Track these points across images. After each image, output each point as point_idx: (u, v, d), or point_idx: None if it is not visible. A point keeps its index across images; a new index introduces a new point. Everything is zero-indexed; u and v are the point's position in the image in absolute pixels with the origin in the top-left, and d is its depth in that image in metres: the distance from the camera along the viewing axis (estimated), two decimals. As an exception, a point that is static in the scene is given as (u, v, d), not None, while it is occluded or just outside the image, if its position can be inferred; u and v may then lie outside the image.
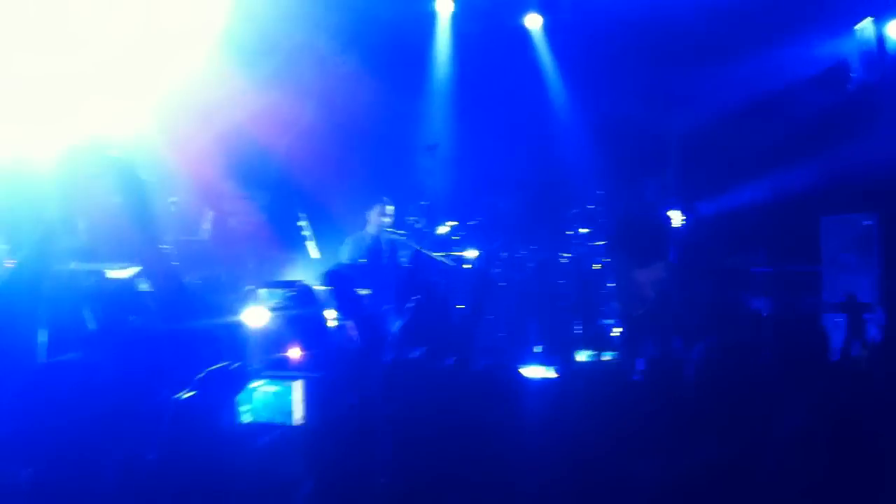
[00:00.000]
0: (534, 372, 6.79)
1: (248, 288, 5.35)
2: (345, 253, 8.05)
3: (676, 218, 7.86)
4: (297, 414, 4.33)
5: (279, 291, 5.14)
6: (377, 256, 8.03)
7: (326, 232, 8.06)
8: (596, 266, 8.15)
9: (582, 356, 6.72)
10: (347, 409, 3.95)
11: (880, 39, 8.87)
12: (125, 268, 6.96)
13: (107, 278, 6.89)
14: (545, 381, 5.61)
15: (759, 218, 8.65)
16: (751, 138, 9.24)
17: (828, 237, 8.50)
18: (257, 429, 4.20)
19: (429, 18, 10.20)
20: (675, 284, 7.60)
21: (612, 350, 7.08)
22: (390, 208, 8.09)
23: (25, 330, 4.65)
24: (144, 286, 6.10)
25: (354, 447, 3.72)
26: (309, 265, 7.52)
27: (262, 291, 5.13)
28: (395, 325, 4.85)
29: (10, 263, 6.35)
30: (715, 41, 9.39)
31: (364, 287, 7.62)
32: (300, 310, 5.01)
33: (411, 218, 8.28)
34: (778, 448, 3.57)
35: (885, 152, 8.27)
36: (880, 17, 8.90)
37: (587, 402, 4.28)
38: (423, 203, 8.34)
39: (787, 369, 4.11)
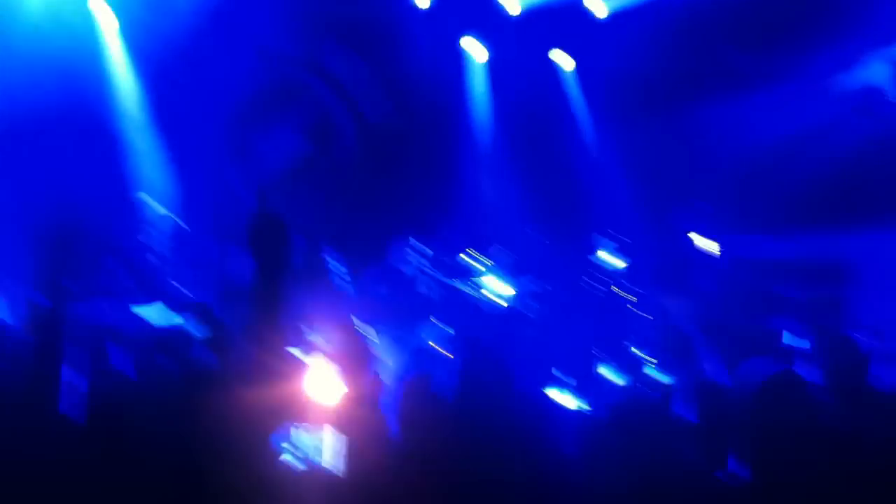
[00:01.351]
0: (558, 396, 6.68)
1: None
2: (370, 286, 8.08)
3: (712, 246, 7.78)
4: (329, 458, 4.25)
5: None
6: (402, 289, 8.05)
7: (353, 267, 8.11)
8: (627, 296, 8.04)
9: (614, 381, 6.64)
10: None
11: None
12: (156, 307, 7.09)
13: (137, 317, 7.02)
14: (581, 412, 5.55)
15: (795, 244, 8.49)
16: (789, 167, 9.12)
17: (861, 258, 8.34)
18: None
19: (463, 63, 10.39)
20: (707, 312, 7.50)
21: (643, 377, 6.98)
22: (416, 242, 8.14)
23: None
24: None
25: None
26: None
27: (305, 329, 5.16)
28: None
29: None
30: (747, 70, 9.37)
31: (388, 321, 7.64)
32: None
33: (433, 251, 8.31)
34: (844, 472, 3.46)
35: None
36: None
37: (626, 429, 4.20)
38: (448, 234, 8.37)
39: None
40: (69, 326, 6.68)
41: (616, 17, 10.49)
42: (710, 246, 7.86)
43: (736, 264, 7.91)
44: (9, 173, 8.14)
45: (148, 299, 7.06)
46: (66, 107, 8.58)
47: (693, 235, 7.89)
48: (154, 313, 7.06)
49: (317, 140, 10.08)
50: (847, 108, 9.14)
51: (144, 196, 8.09)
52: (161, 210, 7.98)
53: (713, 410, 4.39)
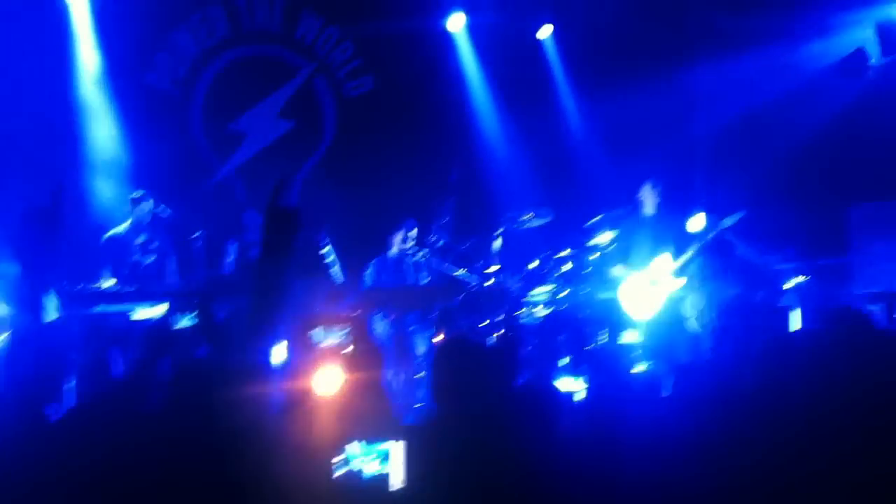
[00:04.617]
0: (564, 385, 6.75)
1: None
2: (369, 276, 8.06)
3: (700, 222, 7.81)
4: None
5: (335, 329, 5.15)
6: (401, 278, 8.04)
7: (349, 255, 8.09)
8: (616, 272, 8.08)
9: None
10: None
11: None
12: (153, 307, 7.06)
13: (134, 319, 6.99)
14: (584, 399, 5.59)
15: (786, 214, 8.54)
16: (774, 134, 9.12)
17: (857, 226, 8.40)
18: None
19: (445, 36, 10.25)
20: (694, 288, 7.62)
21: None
22: (412, 231, 8.10)
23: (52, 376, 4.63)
24: (184, 322, 6.18)
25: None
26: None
27: (317, 331, 5.12)
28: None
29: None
30: (732, 32, 9.32)
31: (390, 311, 7.67)
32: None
33: (433, 237, 8.27)
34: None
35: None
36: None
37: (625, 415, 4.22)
38: (444, 220, 8.32)
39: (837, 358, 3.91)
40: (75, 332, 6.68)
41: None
42: (700, 219, 7.89)
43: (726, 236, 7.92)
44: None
45: (151, 300, 7.03)
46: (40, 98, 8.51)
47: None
48: (157, 313, 7.04)
49: (298, 118, 9.96)
50: (831, 70, 9.12)
51: (139, 193, 7.98)
52: (157, 207, 7.87)
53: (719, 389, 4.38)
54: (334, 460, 4.20)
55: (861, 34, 8.95)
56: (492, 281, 7.90)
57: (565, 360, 7.48)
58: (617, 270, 7.97)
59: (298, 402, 4.33)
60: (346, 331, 5.30)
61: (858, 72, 8.94)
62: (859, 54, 8.94)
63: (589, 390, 6.30)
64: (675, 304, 7.83)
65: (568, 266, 8.22)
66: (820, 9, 9.02)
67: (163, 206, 7.91)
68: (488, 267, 8.07)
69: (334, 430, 4.44)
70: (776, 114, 9.15)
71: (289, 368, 4.98)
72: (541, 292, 8.08)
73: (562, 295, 8.11)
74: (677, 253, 7.81)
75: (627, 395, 4.82)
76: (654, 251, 7.86)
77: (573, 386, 6.42)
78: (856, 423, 3.48)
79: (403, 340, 7.66)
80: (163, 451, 3.57)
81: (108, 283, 7.02)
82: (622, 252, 8.02)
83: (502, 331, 7.69)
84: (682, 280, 7.78)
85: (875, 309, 7.41)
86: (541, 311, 7.96)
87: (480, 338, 7.60)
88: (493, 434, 3.63)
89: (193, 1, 9.60)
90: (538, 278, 8.16)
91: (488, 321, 7.81)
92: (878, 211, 8.53)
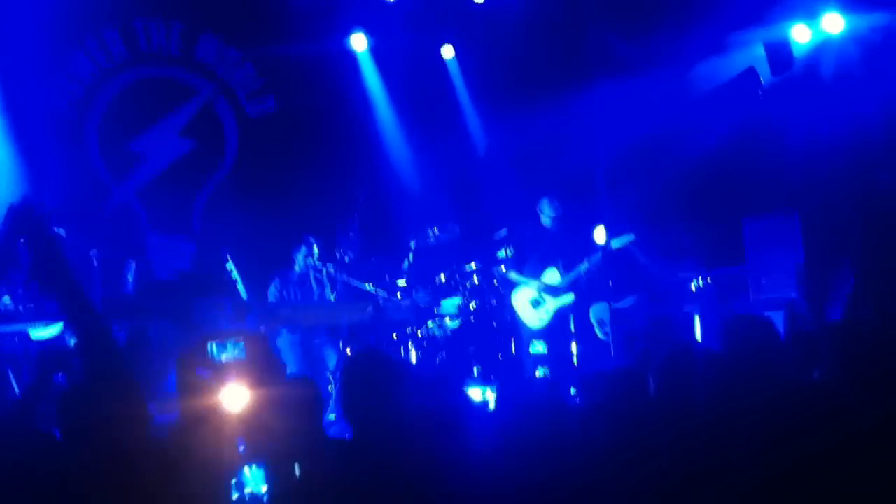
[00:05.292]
0: (474, 394, 6.78)
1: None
2: (273, 293, 7.97)
3: (601, 235, 8.04)
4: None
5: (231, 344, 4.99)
6: (306, 293, 7.98)
7: (252, 273, 7.98)
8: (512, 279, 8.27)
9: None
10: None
11: (787, 43, 9.08)
12: (49, 326, 6.81)
13: (31, 339, 6.74)
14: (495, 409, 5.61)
15: (686, 227, 8.79)
16: (673, 151, 9.33)
17: (750, 238, 8.68)
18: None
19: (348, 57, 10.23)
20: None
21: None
22: (315, 247, 8.06)
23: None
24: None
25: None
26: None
27: (212, 346, 4.96)
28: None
29: None
30: (625, 56, 9.54)
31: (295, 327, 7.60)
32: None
33: (339, 252, 8.24)
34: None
35: (799, 152, 8.49)
36: (787, 22, 9.10)
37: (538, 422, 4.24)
38: (350, 235, 8.31)
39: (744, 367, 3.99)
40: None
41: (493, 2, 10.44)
42: (601, 233, 8.09)
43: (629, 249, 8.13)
44: None
45: (46, 319, 6.81)
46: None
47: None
48: (52, 333, 6.81)
49: (199, 139, 9.79)
50: (724, 90, 9.41)
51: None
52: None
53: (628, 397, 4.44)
54: (229, 482, 4.11)
55: (752, 54, 9.26)
56: (400, 295, 7.91)
57: (476, 371, 7.54)
58: (512, 277, 8.19)
59: (199, 420, 4.23)
60: (242, 345, 5.17)
61: (749, 91, 9.25)
62: (750, 74, 9.25)
63: (498, 400, 6.35)
64: (580, 314, 8.02)
65: (475, 279, 8.34)
66: (713, 29, 9.28)
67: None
68: (396, 281, 8.09)
69: (239, 447, 4.34)
70: (674, 132, 9.36)
71: (185, 386, 4.86)
72: (449, 305, 8.17)
73: (470, 307, 8.20)
74: (569, 266, 7.99)
75: (536, 404, 4.84)
76: (548, 264, 8.04)
77: (484, 396, 6.45)
78: (758, 428, 3.57)
79: (310, 354, 7.59)
80: (57, 470, 3.45)
81: (2, 302, 6.74)
82: (518, 264, 8.26)
83: (411, 344, 7.70)
84: (570, 295, 8.00)
85: (773, 315, 7.65)
86: (450, 324, 8.05)
87: (390, 351, 7.60)
88: (406, 446, 3.61)
89: (89, 23, 9.35)
90: (446, 291, 8.24)
91: (397, 335, 7.82)
92: (769, 223, 8.82)
